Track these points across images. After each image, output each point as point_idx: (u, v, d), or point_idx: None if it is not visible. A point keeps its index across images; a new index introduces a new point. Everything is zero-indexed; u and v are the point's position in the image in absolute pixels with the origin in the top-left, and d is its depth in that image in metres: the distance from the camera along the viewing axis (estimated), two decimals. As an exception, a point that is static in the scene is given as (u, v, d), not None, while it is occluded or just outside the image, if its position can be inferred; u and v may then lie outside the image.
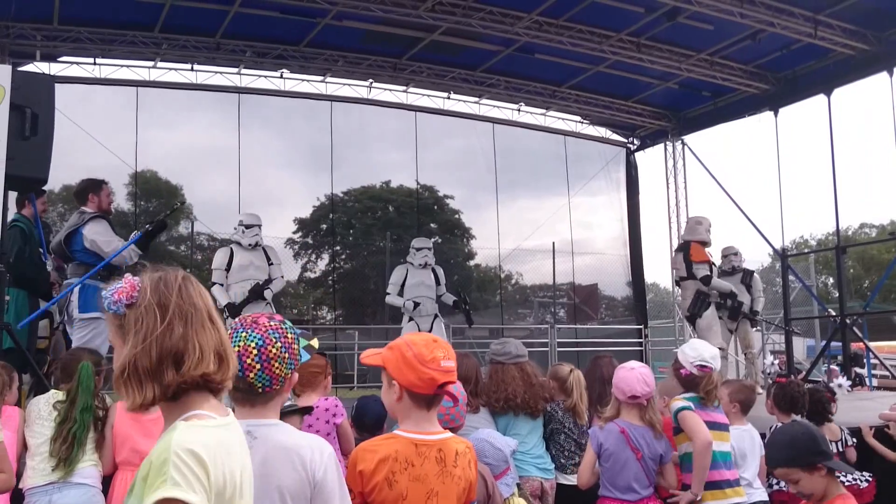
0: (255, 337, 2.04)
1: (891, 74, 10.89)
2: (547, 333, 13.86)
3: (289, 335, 2.09)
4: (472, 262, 19.74)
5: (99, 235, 6.03)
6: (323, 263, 20.12)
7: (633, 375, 3.75)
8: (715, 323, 8.82)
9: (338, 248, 19.27)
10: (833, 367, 10.12)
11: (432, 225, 19.37)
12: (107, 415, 3.80)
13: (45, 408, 3.76)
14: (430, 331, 8.33)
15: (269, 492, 1.96)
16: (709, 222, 9.13)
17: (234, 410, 2.21)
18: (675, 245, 14.63)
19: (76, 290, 6.03)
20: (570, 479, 4.22)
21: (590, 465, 3.81)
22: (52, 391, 3.87)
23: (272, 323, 2.08)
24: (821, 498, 2.81)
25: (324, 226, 19.29)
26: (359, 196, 18.43)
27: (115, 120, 12.28)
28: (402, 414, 2.38)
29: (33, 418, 3.74)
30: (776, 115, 12.67)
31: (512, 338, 4.75)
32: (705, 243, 9.00)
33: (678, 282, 9.35)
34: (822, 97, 11.82)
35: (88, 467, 3.66)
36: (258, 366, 2.02)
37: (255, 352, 2.02)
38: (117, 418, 3.79)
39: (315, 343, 3.33)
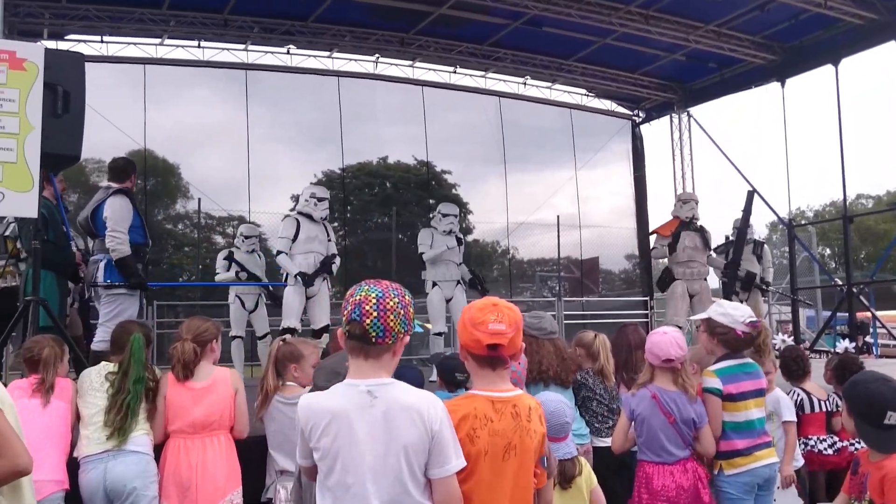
0: (375, 290, 2.21)
1: (899, 44, 10.95)
2: (547, 307, 13.94)
3: (406, 297, 2.24)
4: (470, 237, 19.77)
5: (113, 215, 5.92)
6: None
7: (666, 339, 3.81)
8: (672, 299, 8.77)
9: (336, 224, 19.29)
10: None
11: (430, 200, 19.41)
12: (157, 386, 3.88)
13: (97, 379, 3.84)
14: (451, 297, 8.42)
15: (394, 447, 2.13)
16: (686, 194, 9.17)
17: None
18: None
19: (101, 264, 6.04)
20: (606, 442, 4.33)
21: (623, 431, 3.89)
22: (103, 363, 3.95)
23: (393, 284, 2.25)
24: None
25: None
26: (356, 172, 18.39)
27: (122, 98, 12.27)
28: (472, 373, 2.51)
29: (86, 389, 3.83)
30: (783, 85, 12.72)
31: (544, 312, 4.83)
32: (678, 217, 9.00)
33: None
34: (829, 67, 11.86)
35: (141, 436, 3.75)
36: (375, 313, 2.16)
37: (374, 301, 2.17)
38: (169, 389, 3.87)
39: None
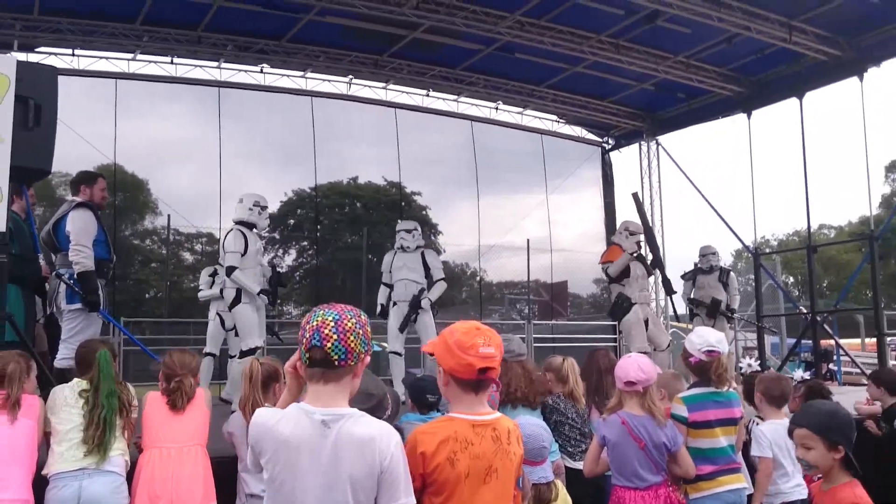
0: (331, 313, 2.16)
1: (861, 80, 11.25)
2: (516, 329, 13.99)
3: (362, 317, 2.20)
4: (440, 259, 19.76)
5: (74, 229, 5.84)
6: (290, 259, 20.10)
7: (629, 362, 3.88)
8: (636, 326, 8.80)
9: (305, 243, 19.25)
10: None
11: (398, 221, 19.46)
12: (132, 400, 3.91)
13: (70, 395, 3.80)
14: (415, 318, 8.33)
15: (341, 481, 2.07)
16: (635, 226, 9.16)
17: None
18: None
19: (64, 278, 5.95)
20: (578, 465, 4.37)
21: (594, 456, 3.92)
22: (76, 380, 3.91)
23: (347, 306, 2.21)
24: (823, 476, 2.96)
25: (291, 221, 19.25)
26: (327, 191, 18.42)
27: (92, 112, 12.17)
28: (452, 398, 2.48)
29: (59, 405, 3.78)
30: (749, 117, 12.99)
31: (513, 334, 4.87)
32: (620, 246, 8.99)
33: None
34: (794, 100, 12.14)
35: (117, 456, 3.73)
36: (335, 336, 2.12)
37: (332, 323, 2.13)
38: (149, 404, 3.93)
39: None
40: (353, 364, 2.17)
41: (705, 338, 4.00)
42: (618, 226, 9.62)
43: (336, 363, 2.13)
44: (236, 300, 7.07)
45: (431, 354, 2.50)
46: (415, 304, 8.33)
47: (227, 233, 7.38)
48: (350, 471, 2.07)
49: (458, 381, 2.43)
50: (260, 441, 2.14)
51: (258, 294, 7.04)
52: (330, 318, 2.14)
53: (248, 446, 2.19)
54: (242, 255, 7.07)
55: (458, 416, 2.43)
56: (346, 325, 2.14)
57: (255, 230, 7.35)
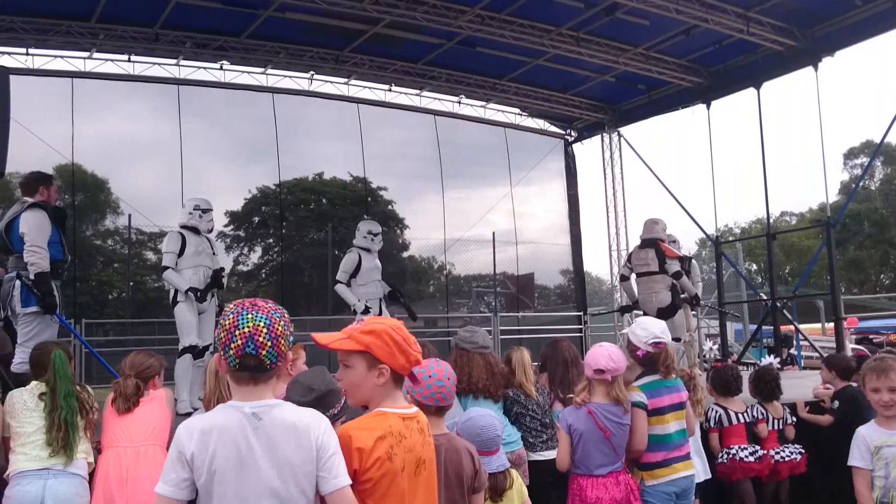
0: (262, 317, 2.13)
1: (815, 69, 11.46)
2: (484, 322, 14.06)
3: (286, 316, 2.20)
4: (406, 254, 19.81)
5: (29, 230, 5.76)
6: (256, 256, 19.96)
7: (600, 351, 3.92)
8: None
9: (271, 240, 19.12)
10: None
11: (366, 217, 19.40)
12: (92, 402, 3.89)
13: (30, 399, 3.79)
14: (379, 314, 8.29)
15: (282, 469, 2.08)
16: (664, 223, 9.23)
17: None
18: (613, 235, 15.11)
19: (17, 284, 5.87)
20: (541, 456, 4.41)
21: (567, 450, 3.92)
22: (34, 382, 3.89)
23: (269, 305, 2.18)
24: None
25: (256, 218, 19.12)
26: (291, 188, 18.33)
27: (49, 111, 11.98)
28: (381, 396, 2.43)
29: (19, 409, 3.76)
30: (708, 107, 13.17)
31: (479, 327, 4.88)
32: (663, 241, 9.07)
33: (645, 274, 8.99)
34: (751, 90, 12.32)
35: (81, 459, 3.74)
36: (269, 343, 2.11)
37: (265, 330, 2.11)
38: (107, 410, 3.93)
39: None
40: (280, 364, 2.19)
41: (650, 330, 4.03)
42: (649, 227, 9.25)
43: (269, 367, 2.15)
44: (174, 300, 7.16)
45: (353, 351, 2.41)
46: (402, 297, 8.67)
47: None
48: (288, 458, 2.09)
49: (396, 378, 2.43)
50: (192, 442, 2.06)
51: (186, 292, 7.07)
52: (262, 325, 2.12)
53: (174, 459, 2.08)
54: (179, 256, 7.16)
55: (390, 411, 2.41)
56: (278, 329, 2.14)
57: (201, 234, 7.43)
